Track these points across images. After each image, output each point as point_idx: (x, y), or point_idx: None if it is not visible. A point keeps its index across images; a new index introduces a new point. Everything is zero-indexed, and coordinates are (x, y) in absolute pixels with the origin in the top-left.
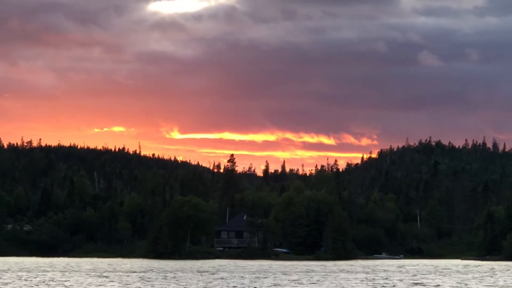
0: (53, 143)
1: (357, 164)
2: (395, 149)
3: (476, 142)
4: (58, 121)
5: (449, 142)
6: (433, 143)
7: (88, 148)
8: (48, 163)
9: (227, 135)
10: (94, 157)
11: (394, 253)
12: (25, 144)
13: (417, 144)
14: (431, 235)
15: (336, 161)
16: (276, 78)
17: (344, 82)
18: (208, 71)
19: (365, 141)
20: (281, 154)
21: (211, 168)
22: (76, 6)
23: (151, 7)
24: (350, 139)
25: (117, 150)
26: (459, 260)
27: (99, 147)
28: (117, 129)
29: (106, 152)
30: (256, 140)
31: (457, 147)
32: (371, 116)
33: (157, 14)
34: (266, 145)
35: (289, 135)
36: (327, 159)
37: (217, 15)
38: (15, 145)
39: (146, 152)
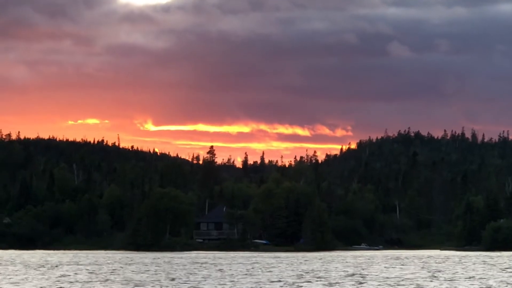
0: (32, 135)
1: (335, 155)
2: (374, 140)
3: (455, 132)
4: (33, 113)
5: (428, 133)
6: (412, 134)
7: (67, 140)
8: (27, 155)
9: (201, 127)
10: (73, 149)
11: (373, 244)
12: (3, 136)
13: (396, 135)
14: (410, 226)
15: (315, 152)
16: (248, 70)
17: (316, 73)
18: (180, 63)
19: (339, 132)
20: (257, 146)
21: (190, 159)
22: None
23: None
24: (325, 130)
25: (96, 142)
26: (438, 250)
27: (75, 139)
28: (91, 121)
29: (85, 144)
30: (230, 131)
31: (436, 137)
32: (344, 108)
33: (126, 6)
34: (241, 137)
35: (263, 127)
36: (306, 151)
37: (185, 7)
38: None
39: (122, 144)
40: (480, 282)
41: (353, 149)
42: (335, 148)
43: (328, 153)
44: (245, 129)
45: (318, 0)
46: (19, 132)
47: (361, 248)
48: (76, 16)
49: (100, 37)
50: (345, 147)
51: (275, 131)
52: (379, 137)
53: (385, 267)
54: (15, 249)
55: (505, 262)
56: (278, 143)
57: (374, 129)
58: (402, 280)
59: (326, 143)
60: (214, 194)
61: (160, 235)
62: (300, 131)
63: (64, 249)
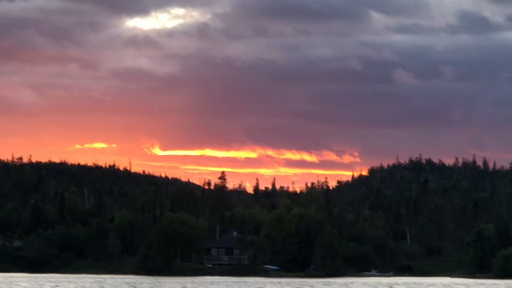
0: (43, 159)
1: (347, 181)
2: (385, 167)
3: (466, 160)
4: (42, 137)
5: (439, 160)
6: (423, 161)
7: (78, 164)
8: (38, 179)
9: (208, 152)
10: (85, 173)
11: (383, 271)
12: (15, 160)
13: (407, 162)
14: (421, 253)
15: (326, 178)
16: (253, 95)
17: (321, 99)
18: (185, 87)
19: (347, 158)
20: (265, 171)
21: (200, 185)
22: (48, 23)
23: (125, 24)
24: (332, 156)
25: (107, 166)
26: (449, 278)
27: (86, 163)
28: (98, 145)
29: (96, 168)
30: (238, 157)
31: (447, 165)
32: (350, 134)
33: (132, 30)
34: (249, 162)
35: (270, 152)
36: (318, 177)
37: (190, 32)
38: (6, 161)
39: (132, 168)
40: None
41: (364, 176)
42: (343, 174)
43: (339, 180)
44: (252, 154)
45: (323, 26)
46: (30, 155)
47: (371, 275)
48: (81, 40)
49: (105, 61)
50: (356, 174)
51: (282, 156)
52: (390, 164)
53: None
54: (26, 273)
55: None
56: (286, 169)
57: (381, 156)
58: None
59: (334, 169)
60: (225, 219)
61: (170, 260)
62: (307, 157)
63: (74, 273)
